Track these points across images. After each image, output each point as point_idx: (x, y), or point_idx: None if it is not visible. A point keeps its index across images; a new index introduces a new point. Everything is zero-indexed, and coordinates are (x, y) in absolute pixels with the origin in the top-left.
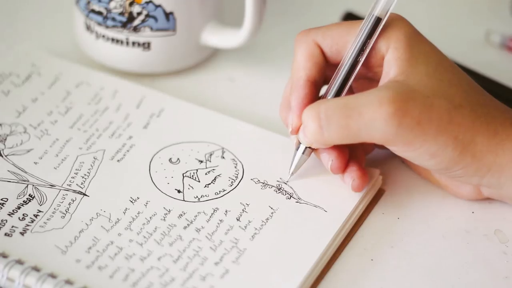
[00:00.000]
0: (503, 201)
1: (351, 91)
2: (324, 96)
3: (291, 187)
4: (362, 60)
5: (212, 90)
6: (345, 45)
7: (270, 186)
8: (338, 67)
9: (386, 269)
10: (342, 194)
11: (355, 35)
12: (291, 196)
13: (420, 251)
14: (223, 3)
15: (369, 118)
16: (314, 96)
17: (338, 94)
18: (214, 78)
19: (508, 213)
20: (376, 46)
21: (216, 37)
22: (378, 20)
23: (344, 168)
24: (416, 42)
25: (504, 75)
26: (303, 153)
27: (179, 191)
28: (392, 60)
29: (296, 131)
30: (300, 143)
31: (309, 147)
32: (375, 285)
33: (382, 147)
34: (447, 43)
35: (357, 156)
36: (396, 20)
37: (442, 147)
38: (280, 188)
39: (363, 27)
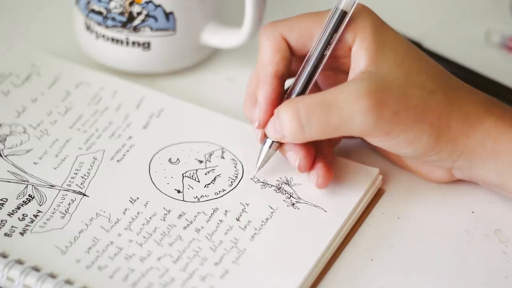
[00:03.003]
0: (474, 181)
1: (315, 84)
2: (290, 90)
3: (291, 187)
4: (328, 53)
5: (211, 90)
6: (312, 38)
7: (270, 186)
8: (304, 60)
9: (386, 269)
10: (342, 194)
11: (321, 27)
12: (291, 196)
13: (420, 251)
14: (223, 3)
15: (348, 113)
16: (281, 90)
17: (304, 88)
18: (213, 78)
19: (508, 213)
20: (342, 37)
21: (216, 37)
22: (344, 14)
23: (310, 167)
24: (382, 31)
25: (504, 75)
26: (269, 147)
27: (178, 191)
28: (360, 50)
29: (264, 125)
30: (266, 137)
31: (276, 142)
32: (375, 285)
33: (351, 137)
34: (447, 43)
35: (323, 151)
36: (361, 11)
37: (418, 135)
38: (280, 188)
39: (328, 21)
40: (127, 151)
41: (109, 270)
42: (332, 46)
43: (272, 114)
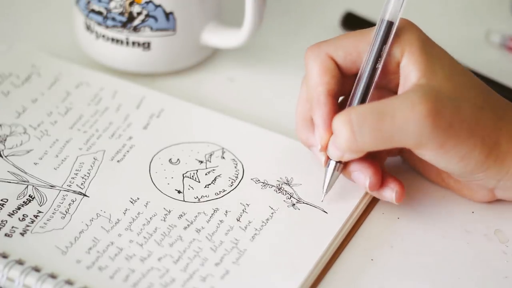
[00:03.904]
0: None
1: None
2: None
3: (291, 187)
4: (380, 66)
5: (211, 90)
6: (359, 54)
7: (270, 186)
8: (357, 77)
9: (386, 269)
10: (342, 194)
11: (367, 43)
12: (291, 196)
13: (420, 251)
14: (223, 3)
15: (403, 120)
16: (336, 109)
17: (362, 103)
18: (214, 78)
19: (508, 213)
20: (390, 52)
21: (216, 37)
22: (389, 25)
23: (380, 184)
24: (429, 46)
25: (504, 75)
26: (334, 169)
27: (179, 192)
28: (409, 64)
29: (325, 147)
30: (330, 159)
31: (339, 162)
32: (375, 285)
33: (395, 154)
34: (447, 43)
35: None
36: (406, 25)
37: (471, 149)
38: (280, 188)
39: (376, 33)
40: (127, 151)
41: (109, 271)
42: (384, 58)
43: (332, 134)
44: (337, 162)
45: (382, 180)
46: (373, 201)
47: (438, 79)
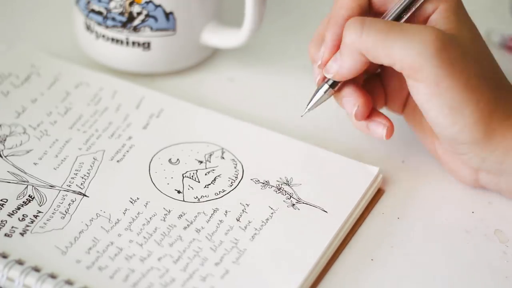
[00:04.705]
0: (499, 192)
1: (379, 80)
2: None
3: (291, 187)
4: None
5: (211, 90)
6: None
7: (270, 186)
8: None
9: (386, 269)
10: (342, 194)
11: None
12: (291, 196)
13: (420, 251)
14: (223, 3)
15: (411, 34)
16: None
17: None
18: (214, 78)
19: (508, 213)
20: (422, 6)
21: (216, 37)
22: None
23: (367, 116)
24: (463, 12)
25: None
26: (325, 92)
27: (179, 192)
28: (440, 18)
29: (324, 64)
30: (323, 81)
31: (331, 87)
32: (375, 285)
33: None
34: None
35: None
36: None
37: (463, 103)
38: (280, 188)
39: None
40: (127, 151)
41: (109, 271)
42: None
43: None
44: (329, 86)
45: (370, 114)
46: (373, 201)
47: (461, 37)
